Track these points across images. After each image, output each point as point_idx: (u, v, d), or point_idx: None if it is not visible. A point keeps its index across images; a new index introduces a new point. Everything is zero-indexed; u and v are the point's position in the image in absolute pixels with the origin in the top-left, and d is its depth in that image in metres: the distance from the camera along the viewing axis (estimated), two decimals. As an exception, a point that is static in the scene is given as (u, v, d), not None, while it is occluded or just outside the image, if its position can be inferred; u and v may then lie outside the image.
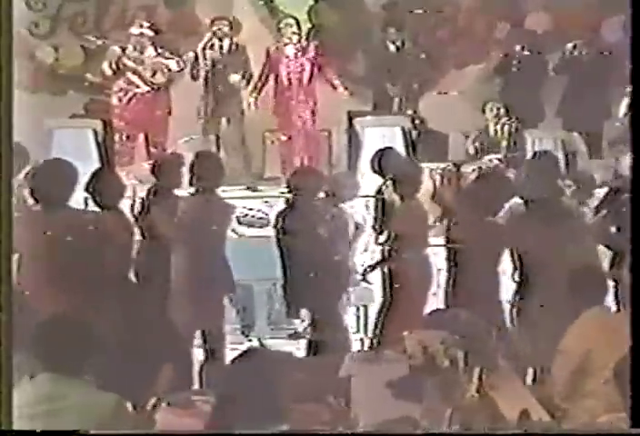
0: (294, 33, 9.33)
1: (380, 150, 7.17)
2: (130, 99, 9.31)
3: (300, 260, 6.16)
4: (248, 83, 9.27)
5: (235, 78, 9.22)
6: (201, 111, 9.29)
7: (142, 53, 9.30)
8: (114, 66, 9.30)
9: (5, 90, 3.57)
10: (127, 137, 9.30)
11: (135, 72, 9.28)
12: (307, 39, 9.45)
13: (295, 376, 3.63)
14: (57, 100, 10.02)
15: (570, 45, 9.69)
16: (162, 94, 9.34)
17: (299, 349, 6.41)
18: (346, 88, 9.30)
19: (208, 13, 9.81)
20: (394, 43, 9.80)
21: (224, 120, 9.35)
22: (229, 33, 9.35)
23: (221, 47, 9.31)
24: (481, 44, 10.29)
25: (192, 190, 6.37)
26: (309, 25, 9.82)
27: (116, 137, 9.21)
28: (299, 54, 9.32)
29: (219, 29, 9.30)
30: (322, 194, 6.50)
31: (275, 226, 6.39)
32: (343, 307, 6.50)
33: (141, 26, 9.35)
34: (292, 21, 9.45)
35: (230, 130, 9.37)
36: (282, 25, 9.44)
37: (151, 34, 9.30)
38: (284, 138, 9.45)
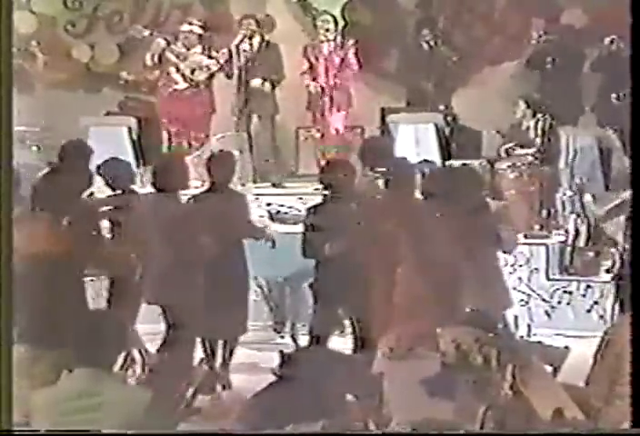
0: (328, 30, 9.31)
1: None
2: (170, 95, 9.38)
3: (331, 257, 6.14)
4: (272, 85, 9.24)
5: (256, 83, 9.22)
6: (234, 108, 9.32)
7: (189, 49, 9.38)
8: (155, 59, 9.37)
9: (5, 90, 3.59)
10: (169, 134, 9.38)
11: (176, 67, 9.35)
12: (343, 37, 9.44)
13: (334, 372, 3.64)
14: (93, 98, 10.11)
15: (607, 40, 9.61)
16: (203, 91, 9.39)
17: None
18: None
19: (242, 11, 9.84)
20: (427, 41, 9.77)
21: (255, 117, 9.37)
22: (257, 30, 9.35)
23: (251, 45, 9.32)
24: (516, 41, 10.23)
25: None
26: (342, 23, 9.81)
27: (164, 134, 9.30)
28: (335, 51, 9.31)
29: (248, 27, 9.32)
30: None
31: (306, 223, 6.37)
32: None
33: (190, 24, 9.41)
34: (329, 18, 9.43)
35: (261, 127, 9.38)
36: (319, 23, 9.44)
37: (200, 31, 9.36)
38: (317, 135, 9.45)
